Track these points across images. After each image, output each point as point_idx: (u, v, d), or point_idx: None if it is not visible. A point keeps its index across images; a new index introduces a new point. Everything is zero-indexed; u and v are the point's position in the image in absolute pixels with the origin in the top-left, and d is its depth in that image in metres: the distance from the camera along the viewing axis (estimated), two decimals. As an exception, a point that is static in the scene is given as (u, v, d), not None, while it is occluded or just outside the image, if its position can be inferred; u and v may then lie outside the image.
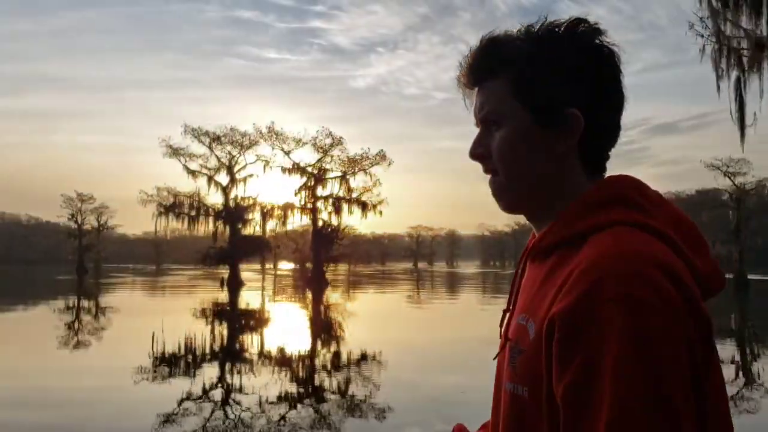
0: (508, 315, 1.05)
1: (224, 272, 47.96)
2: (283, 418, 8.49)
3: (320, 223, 47.87)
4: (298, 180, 47.78)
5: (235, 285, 45.00)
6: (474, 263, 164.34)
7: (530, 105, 0.94)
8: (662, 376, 0.74)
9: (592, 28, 0.95)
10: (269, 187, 50.68)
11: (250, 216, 47.53)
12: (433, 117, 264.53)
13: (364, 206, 47.92)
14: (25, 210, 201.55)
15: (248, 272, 52.82)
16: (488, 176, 1.01)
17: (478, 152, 1.00)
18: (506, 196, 1.00)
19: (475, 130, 1.02)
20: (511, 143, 0.96)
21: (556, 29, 0.95)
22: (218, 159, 46.90)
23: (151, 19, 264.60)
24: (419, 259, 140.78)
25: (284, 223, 48.07)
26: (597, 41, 0.94)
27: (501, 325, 1.06)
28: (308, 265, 51.15)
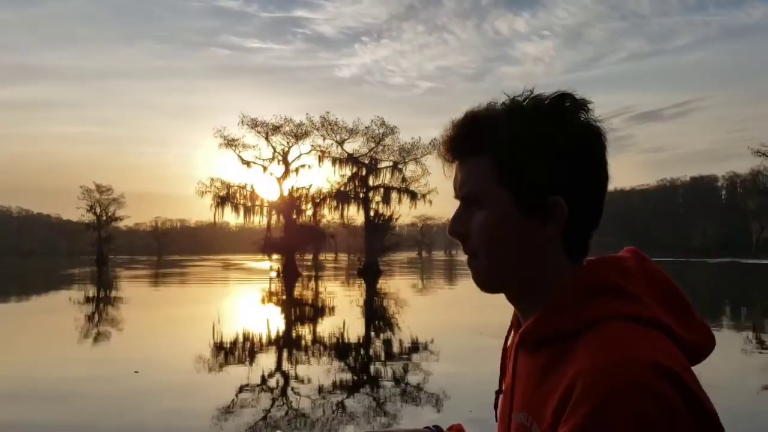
0: (501, 397, 1.07)
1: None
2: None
3: (372, 213, 48.05)
4: (350, 170, 47.93)
5: (291, 274, 45.15)
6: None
7: (513, 190, 0.92)
8: None
9: (578, 104, 0.92)
10: (322, 178, 50.48)
11: (305, 206, 47.55)
12: (419, 106, 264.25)
13: (413, 196, 48.20)
14: (15, 202, 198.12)
15: (302, 263, 52.74)
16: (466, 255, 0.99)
17: (457, 231, 0.98)
18: (486, 280, 0.97)
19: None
20: (492, 227, 0.94)
21: (542, 107, 0.92)
22: (274, 149, 46.89)
23: (133, 8, 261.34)
24: (413, 248, 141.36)
25: (341, 215, 48.05)
26: (583, 120, 0.92)
27: (495, 407, 1.09)
28: (360, 255, 51.23)
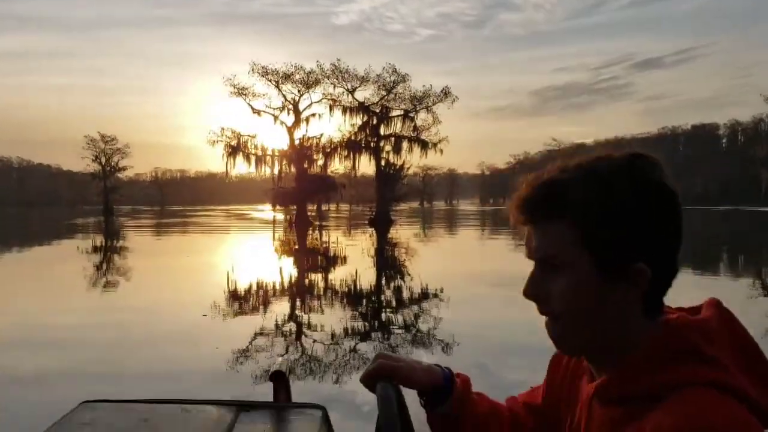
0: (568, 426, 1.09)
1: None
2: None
3: (383, 163, 48.04)
4: (361, 119, 47.70)
5: (302, 224, 45.43)
6: (472, 201, 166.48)
7: (596, 256, 0.91)
8: None
9: (650, 164, 0.92)
10: (332, 127, 50.26)
11: (316, 156, 47.49)
12: (418, 54, 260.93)
13: (424, 145, 48.10)
14: (14, 153, 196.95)
15: (312, 213, 52.92)
16: (544, 317, 0.99)
17: (536, 293, 0.97)
18: (568, 344, 0.98)
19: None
20: (573, 293, 0.93)
21: (618, 170, 0.91)
22: (285, 98, 46.56)
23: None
24: (415, 198, 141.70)
25: (353, 165, 48.01)
26: (659, 180, 0.91)
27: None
28: (371, 205, 51.40)
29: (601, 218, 0.89)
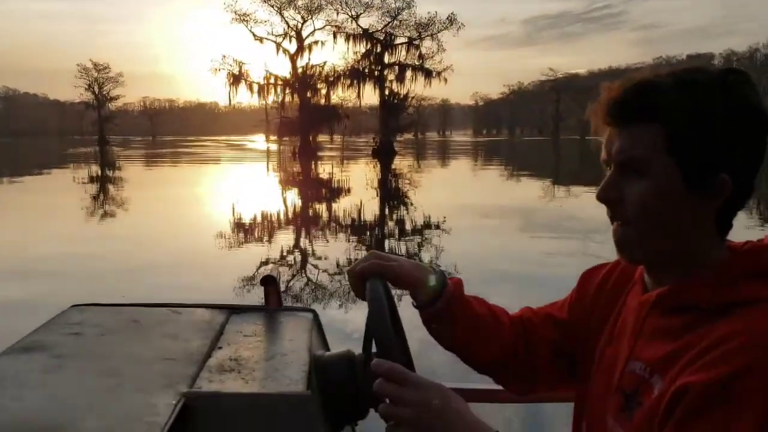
0: (608, 348, 1.08)
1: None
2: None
3: (387, 92, 47.59)
4: (365, 47, 46.91)
5: (308, 155, 45.34)
6: (465, 133, 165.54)
7: (683, 163, 0.90)
8: None
9: (743, 80, 0.92)
10: (336, 56, 49.45)
11: (320, 85, 46.91)
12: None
13: (428, 73, 47.58)
14: (0, 82, 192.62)
15: (317, 144, 52.65)
16: (613, 224, 0.98)
17: (611, 197, 0.96)
18: (636, 251, 0.97)
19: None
20: (653, 198, 0.92)
21: (714, 81, 0.91)
22: (287, 24, 45.60)
23: None
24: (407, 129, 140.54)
25: (357, 94, 47.50)
26: (752, 97, 0.91)
27: (599, 356, 1.10)
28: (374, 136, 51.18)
29: (693, 125, 0.89)
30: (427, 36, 47.04)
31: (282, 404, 1.19)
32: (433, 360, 2.18)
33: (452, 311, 1.18)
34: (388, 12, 46.03)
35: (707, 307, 0.90)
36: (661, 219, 0.93)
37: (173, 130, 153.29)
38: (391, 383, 0.91)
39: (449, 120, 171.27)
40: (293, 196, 21.75)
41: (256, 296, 7.51)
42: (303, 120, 46.15)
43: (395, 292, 1.19)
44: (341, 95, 48.85)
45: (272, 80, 46.79)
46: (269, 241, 12.36)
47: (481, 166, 39.45)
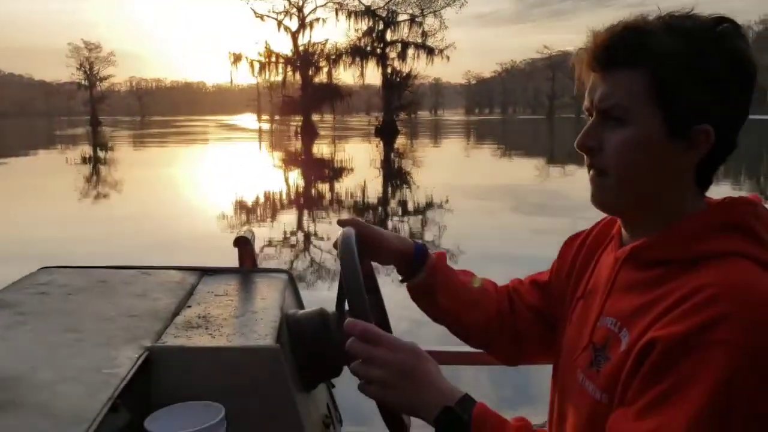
0: (581, 303, 1.07)
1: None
2: None
3: (389, 70, 47.07)
4: (367, 24, 46.30)
5: (310, 134, 44.88)
6: (456, 111, 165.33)
7: (666, 111, 0.88)
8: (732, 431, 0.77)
9: (735, 30, 0.88)
10: (337, 34, 48.84)
11: (323, 63, 46.29)
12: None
13: (430, 51, 47.05)
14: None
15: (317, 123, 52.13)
16: (590, 172, 0.96)
17: (590, 144, 0.94)
18: (611, 200, 0.95)
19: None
20: (634, 147, 0.90)
21: (703, 28, 0.88)
22: (290, 1, 44.85)
23: None
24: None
25: (361, 73, 46.92)
26: (741, 48, 0.88)
27: (572, 311, 1.09)
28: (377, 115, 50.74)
29: (680, 72, 0.86)
30: (430, 13, 46.44)
31: (249, 357, 1.16)
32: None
33: (436, 281, 1.20)
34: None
35: (680, 260, 0.89)
36: (639, 168, 0.91)
37: (162, 110, 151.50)
38: (363, 343, 0.90)
39: (441, 99, 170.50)
40: (294, 178, 21.49)
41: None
42: (305, 98, 45.58)
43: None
44: (343, 73, 48.29)
45: (273, 58, 46.04)
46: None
47: (491, 147, 39.13)
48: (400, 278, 1.23)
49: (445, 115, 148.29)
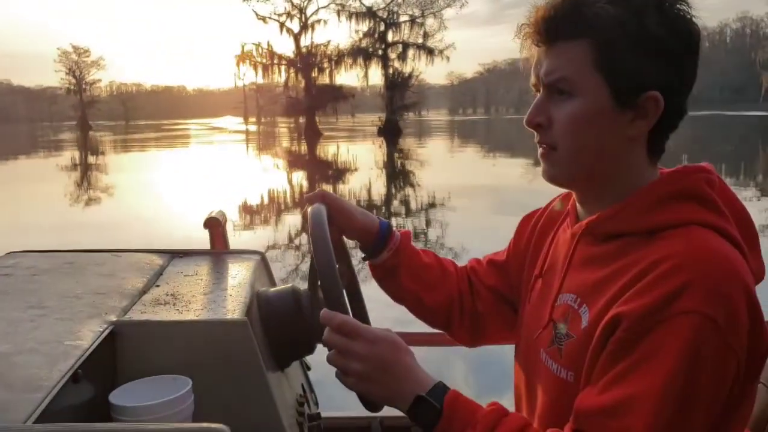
0: (539, 281, 1.07)
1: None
2: None
3: (391, 71, 47.38)
4: (368, 25, 46.59)
5: (314, 135, 45.03)
6: (438, 112, 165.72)
7: (612, 80, 0.87)
8: (700, 399, 0.77)
9: None
10: (339, 35, 48.94)
11: (326, 64, 46.48)
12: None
13: (430, 52, 47.42)
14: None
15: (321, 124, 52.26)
16: (539, 148, 0.95)
17: (538, 120, 0.93)
18: (562, 173, 0.94)
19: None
20: (582, 119, 0.89)
21: None
22: (291, 2, 45.03)
23: None
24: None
25: (365, 73, 47.14)
26: (683, 14, 0.87)
27: (531, 289, 1.09)
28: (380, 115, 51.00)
29: (623, 40, 0.85)
30: (430, 14, 46.82)
31: (216, 330, 1.14)
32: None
33: (400, 261, 1.18)
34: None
35: (636, 232, 0.88)
36: (590, 141, 0.90)
37: (146, 114, 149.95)
38: (340, 336, 0.90)
39: (425, 100, 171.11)
40: (298, 179, 21.55)
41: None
42: (309, 99, 45.72)
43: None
44: (345, 74, 48.52)
45: (275, 60, 46.14)
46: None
47: (497, 148, 39.55)
48: (362, 255, 1.21)
49: (430, 116, 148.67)
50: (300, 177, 22.23)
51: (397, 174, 22.20)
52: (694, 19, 0.87)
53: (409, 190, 17.50)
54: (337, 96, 46.94)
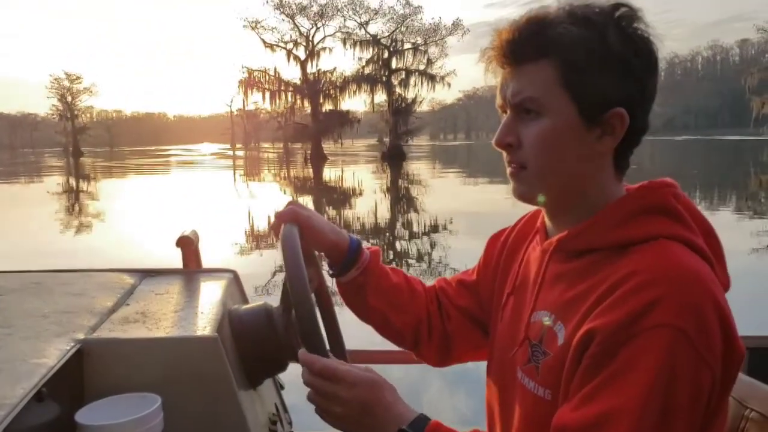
0: (511, 298, 1.06)
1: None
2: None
3: (395, 97, 48.50)
4: (373, 53, 47.79)
5: (318, 160, 45.80)
6: (418, 137, 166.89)
7: (578, 98, 0.88)
8: (678, 413, 0.76)
9: (635, 13, 0.90)
10: (345, 62, 49.88)
11: (331, 91, 47.48)
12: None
13: (432, 78, 48.69)
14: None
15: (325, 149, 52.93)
16: (509, 168, 0.95)
17: (508, 141, 0.93)
18: (532, 191, 0.94)
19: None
20: (551, 137, 0.89)
21: (605, 15, 0.89)
22: (299, 31, 46.07)
23: None
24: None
25: (372, 100, 48.20)
26: (641, 31, 0.90)
27: (502, 307, 1.08)
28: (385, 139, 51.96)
29: (588, 60, 0.87)
30: (432, 42, 48.18)
31: (187, 347, 1.12)
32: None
33: (368, 279, 1.17)
34: (395, 19, 47.10)
35: (607, 247, 0.89)
36: (559, 159, 0.91)
37: (130, 141, 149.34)
38: (321, 379, 0.91)
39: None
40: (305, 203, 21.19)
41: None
42: (316, 125, 46.54)
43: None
44: (350, 101, 49.51)
45: (281, 86, 47.01)
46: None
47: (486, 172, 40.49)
48: (330, 272, 1.18)
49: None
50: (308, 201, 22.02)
51: (408, 200, 22.09)
52: (652, 38, 0.90)
53: (423, 217, 17.29)
54: (344, 121, 47.80)
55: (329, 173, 37.22)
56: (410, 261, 10.74)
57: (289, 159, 48.07)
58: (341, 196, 23.49)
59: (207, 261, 1.70)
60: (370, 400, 0.91)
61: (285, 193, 25.87)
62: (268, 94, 47.04)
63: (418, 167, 41.16)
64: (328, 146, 51.83)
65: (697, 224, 0.91)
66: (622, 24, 0.89)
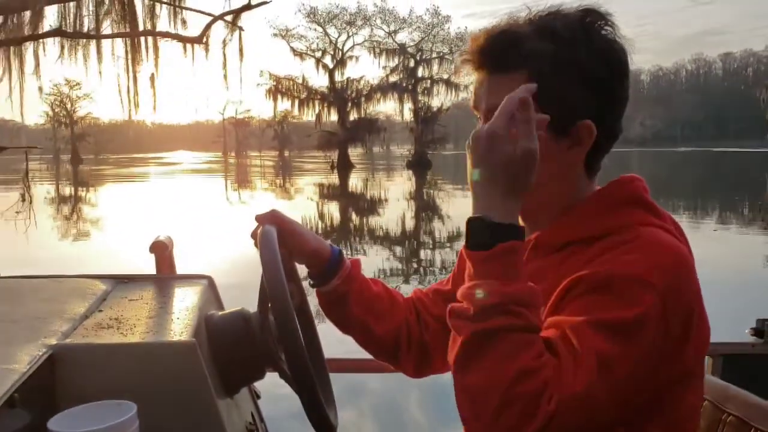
0: None
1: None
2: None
3: (421, 105, 48.43)
4: (400, 61, 47.67)
5: (344, 167, 45.46)
6: (405, 147, 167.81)
7: (547, 112, 0.88)
8: (649, 365, 0.80)
9: (600, 21, 0.92)
10: (372, 70, 49.69)
11: (359, 99, 47.21)
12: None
13: (455, 87, 48.76)
14: None
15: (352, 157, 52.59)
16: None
17: None
18: None
19: None
20: None
21: (572, 26, 0.91)
22: (330, 40, 45.75)
23: None
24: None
25: (401, 108, 48.06)
26: (610, 38, 0.91)
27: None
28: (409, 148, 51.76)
29: (554, 71, 0.89)
30: (458, 51, 48.17)
31: (163, 353, 1.10)
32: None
33: (350, 289, 1.16)
34: (423, 28, 47.09)
35: (586, 237, 0.92)
36: None
37: (112, 149, 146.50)
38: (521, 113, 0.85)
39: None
40: (333, 211, 21.58)
41: None
42: (344, 132, 46.17)
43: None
44: (376, 109, 49.29)
45: (311, 95, 46.58)
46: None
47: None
48: (311, 282, 1.17)
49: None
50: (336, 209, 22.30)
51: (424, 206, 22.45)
52: (622, 41, 0.92)
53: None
54: (371, 129, 47.49)
55: (353, 181, 37.13)
56: (434, 270, 10.82)
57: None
58: (366, 203, 23.54)
59: (216, 270, 1.66)
60: (523, 174, 0.85)
61: (311, 199, 25.56)
62: (297, 102, 46.51)
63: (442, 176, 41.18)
64: (355, 154, 51.50)
65: (665, 216, 0.95)
66: (591, 34, 0.91)
